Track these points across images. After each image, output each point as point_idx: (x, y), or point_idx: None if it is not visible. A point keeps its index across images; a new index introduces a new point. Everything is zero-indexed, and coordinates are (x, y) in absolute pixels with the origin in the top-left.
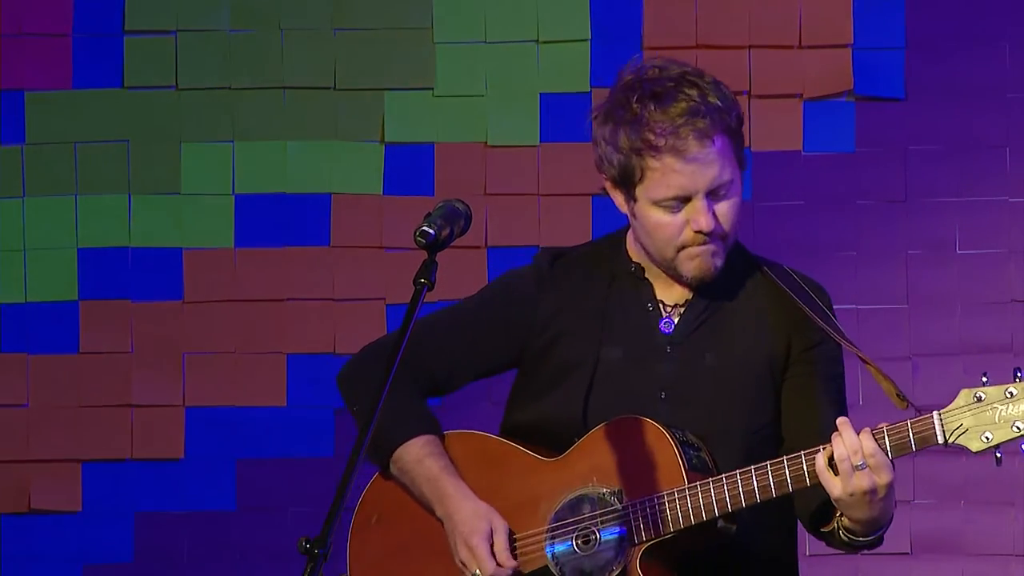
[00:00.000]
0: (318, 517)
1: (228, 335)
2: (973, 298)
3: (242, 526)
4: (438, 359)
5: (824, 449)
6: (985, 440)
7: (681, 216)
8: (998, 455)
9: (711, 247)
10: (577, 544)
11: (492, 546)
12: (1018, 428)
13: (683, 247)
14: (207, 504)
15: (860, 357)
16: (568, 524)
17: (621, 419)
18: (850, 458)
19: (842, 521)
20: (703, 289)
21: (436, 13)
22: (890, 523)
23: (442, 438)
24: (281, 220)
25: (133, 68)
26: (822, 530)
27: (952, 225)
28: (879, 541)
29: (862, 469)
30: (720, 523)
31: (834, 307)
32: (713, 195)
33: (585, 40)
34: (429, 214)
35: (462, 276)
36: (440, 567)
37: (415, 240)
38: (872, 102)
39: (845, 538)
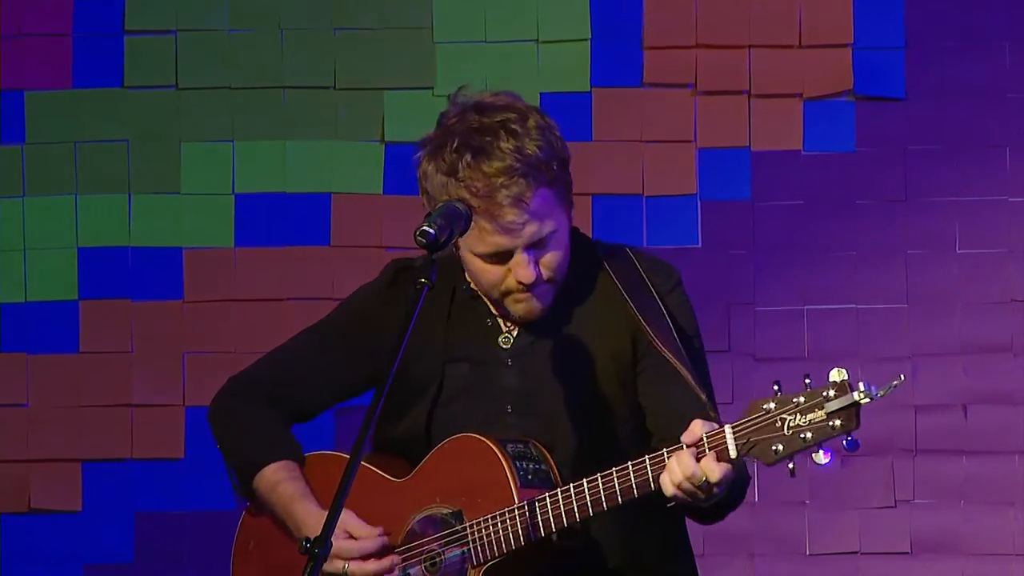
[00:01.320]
0: None
1: (228, 335)
2: (973, 298)
3: None
4: (295, 385)
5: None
6: (774, 452)
7: (503, 267)
8: (790, 466)
9: (537, 292)
10: (425, 567)
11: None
12: (804, 438)
13: (508, 292)
14: (207, 504)
15: (670, 361)
16: (415, 547)
17: (459, 437)
18: (691, 481)
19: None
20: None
21: (436, 13)
22: (740, 483)
23: (301, 461)
24: (281, 220)
25: (133, 68)
26: (669, 504)
27: (952, 225)
28: (730, 502)
29: (703, 487)
30: (555, 538)
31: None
32: (535, 247)
33: (585, 40)
34: (429, 214)
35: None
36: None
37: (415, 240)
38: (872, 102)
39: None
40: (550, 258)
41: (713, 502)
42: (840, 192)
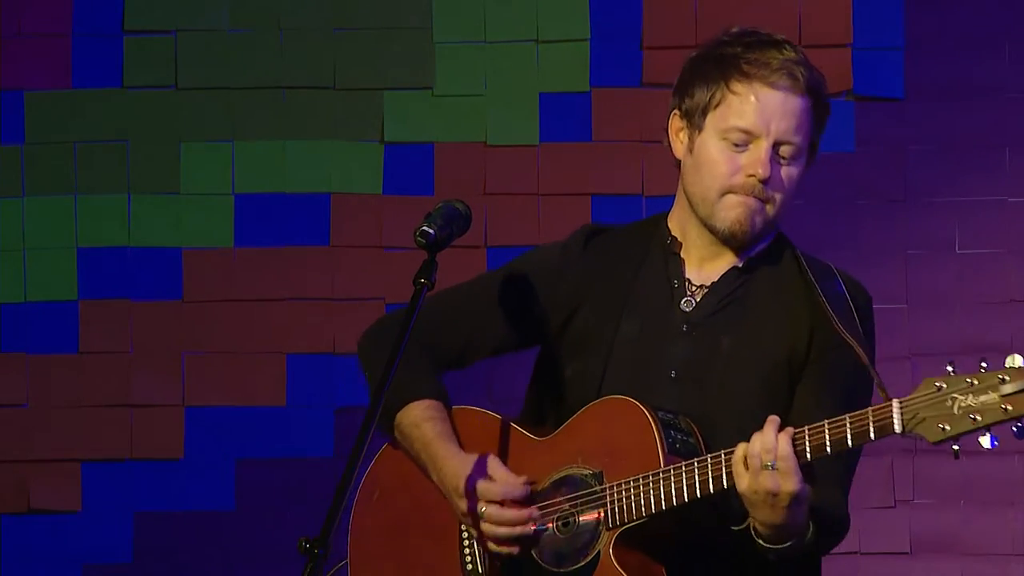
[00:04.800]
0: (318, 517)
1: (228, 335)
2: (972, 298)
3: (242, 526)
4: (453, 332)
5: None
6: (942, 431)
7: (740, 158)
8: (955, 447)
9: (754, 203)
10: (557, 527)
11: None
12: (975, 419)
13: (729, 191)
14: (207, 504)
15: (876, 381)
16: (550, 505)
17: (609, 399)
18: (760, 456)
19: (752, 521)
20: (733, 273)
21: (436, 13)
22: (803, 539)
23: (448, 406)
24: (281, 220)
25: (133, 68)
26: (733, 528)
27: (952, 225)
28: (791, 552)
29: (771, 469)
30: (694, 509)
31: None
32: (777, 152)
33: (585, 40)
34: (429, 214)
35: (462, 276)
36: (435, 546)
37: (415, 240)
38: (872, 102)
39: (755, 536)
40: (784, 173)
41: (779, 533)
42: (840, 192)
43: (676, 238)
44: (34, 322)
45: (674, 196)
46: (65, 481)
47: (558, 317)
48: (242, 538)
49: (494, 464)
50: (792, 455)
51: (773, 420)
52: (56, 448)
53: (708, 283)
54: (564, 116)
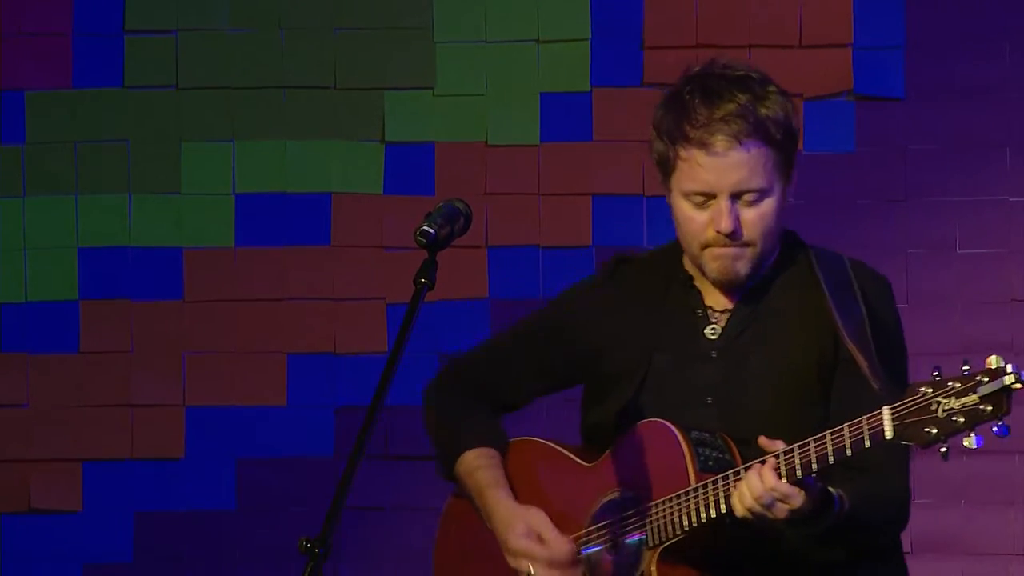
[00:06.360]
0: (318, 517)
1: (228, 335)
2: (973, 298)
3: (242, 526)
4: (501, 378)
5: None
6: (928, 434)
7: (706, 214)
8: (942, 450)
9: (733, 251)
10: (606, 549)
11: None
12: (957, 421)
13: (707, 245)
14: (207, 504)
15: (851, 353)
16: (598, 531)
17: (645, 422)
18: (758, 502)
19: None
20: (750, 292)
21: (436, 13)
22: (829, 511)
23: (503, 450)
24: (281, 220)
25: (133, 68)
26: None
27: (952, 225)
28: (831, 524)
29: (771, 505)
30: (727, 521)
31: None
32: (740, 200)
33: (585, 40)
34: (429, 214)
35: (462, 276)
36: (506, 568)
37: (415, 240)
38: (872, 102)
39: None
40: (753, 218)
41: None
42: (840, 192)
43: (688, 273)
44: (35, 322)
45: None
46: (66, 481)
47: (591, 355)
48: (242, 538)
49: (539, 522)
50: (777, 483)
51: (752, 468)
52: (57, 448)
53: (729, 307)
54: (565, 116)
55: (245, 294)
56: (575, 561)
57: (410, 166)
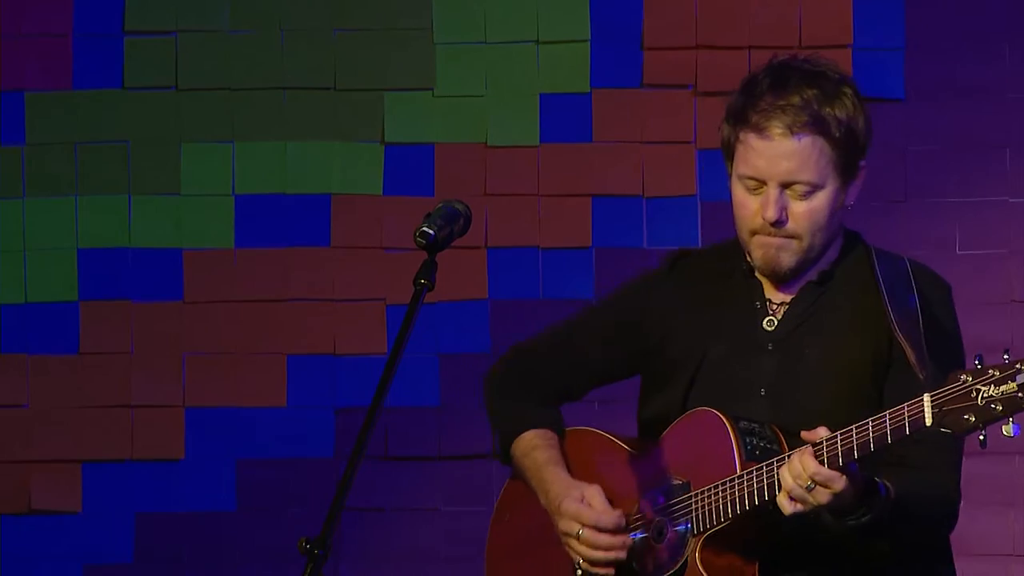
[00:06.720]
0: (318, 517)
1: (228, 335)
2: (973, 298)
3: (242, 526)
4: (564, 366)
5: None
6: (967, 421)
7: (757, 200)
8: (981, 437)
9: (778, 241)
10: (653, 536)
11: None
12: (995, 409)
13: (755, 232)
14: (207, 504)
15: (902, 346)
16: (647, 517)
17: (694, 411)
18: (796, 485)
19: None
20: (809, 287)
21: (436, 13)
22: (873, 500)
23: (560, 432)
24: (281, 220)
25: (133, 68)
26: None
27: (952, 225)
28: (874, 517)
29: (812, 489)
30: (770, 507)
31: None
32: (791, 191)
33: (585, 40)
34: (429, 214)
35: (462, 276)
36: (555, 562)
37: (415, 240)
38: (872, 102)
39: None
40: (802, 211)
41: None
42: None
43: (750, 264)
44: (35, 323)
45: (673, 198)
46: (66, 481)
47: (650, 346)
48: (242, 538)
49: (592, 492)
50: (819, 468)
51: (796, 453)
52: (57, 448)
53: (787, 300)
54: (564, 117)
55: (245, 295)
56: (621, 531)
57: (410, 167)
